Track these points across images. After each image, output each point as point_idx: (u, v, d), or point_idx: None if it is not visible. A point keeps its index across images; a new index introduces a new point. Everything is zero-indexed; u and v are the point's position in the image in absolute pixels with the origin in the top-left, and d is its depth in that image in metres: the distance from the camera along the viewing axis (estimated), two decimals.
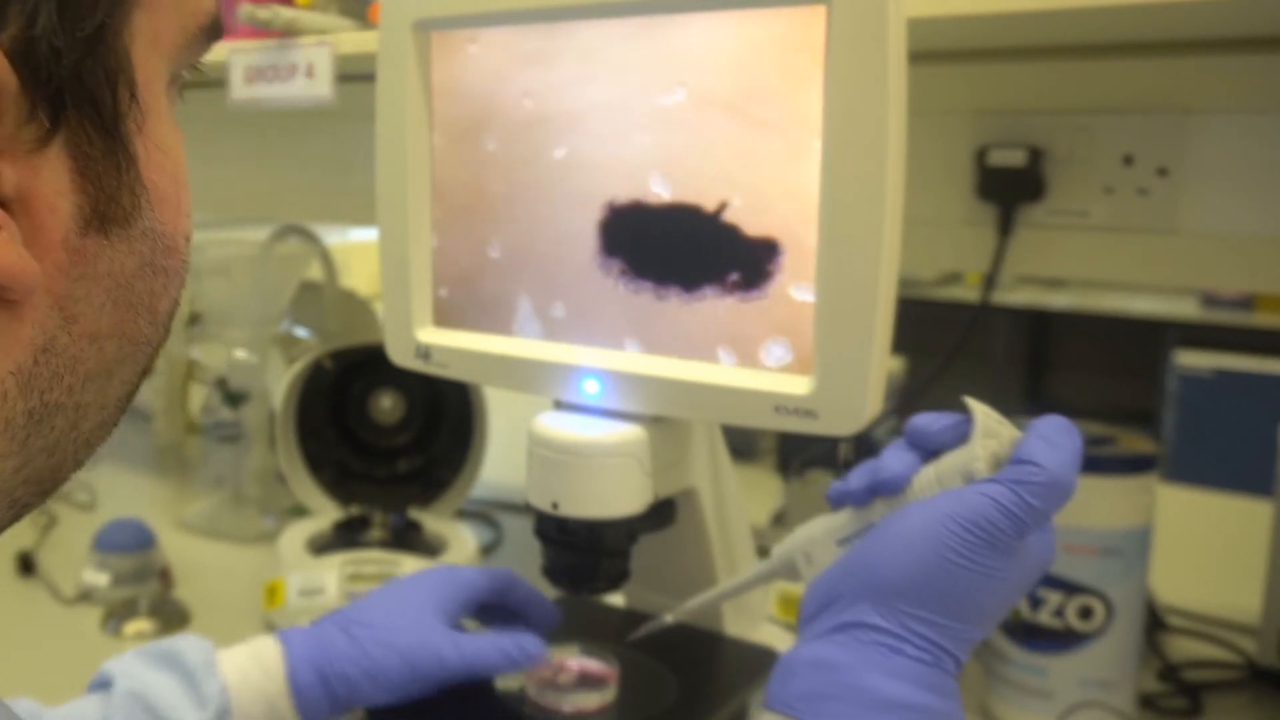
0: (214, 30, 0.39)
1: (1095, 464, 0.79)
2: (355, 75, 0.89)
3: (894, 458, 0.54)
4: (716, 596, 0.66)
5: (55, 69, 0.31)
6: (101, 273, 0.34)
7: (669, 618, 0.68)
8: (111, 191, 0.34)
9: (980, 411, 0.53)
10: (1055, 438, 0.50)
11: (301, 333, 1.31)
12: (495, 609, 0.76)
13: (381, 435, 1.18)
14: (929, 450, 0.54)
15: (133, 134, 0.34)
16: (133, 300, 0.36)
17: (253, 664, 0.66)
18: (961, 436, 0.53)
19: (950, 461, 0.53)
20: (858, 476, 0.55)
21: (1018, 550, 0.49)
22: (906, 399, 1.32)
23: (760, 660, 0.78)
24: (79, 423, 0.37)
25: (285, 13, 0.93)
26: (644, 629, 0.69)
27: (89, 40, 0.32)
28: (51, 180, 0.32)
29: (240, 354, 1.23)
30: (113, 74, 0.33)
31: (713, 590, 0.66)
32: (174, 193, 0.37)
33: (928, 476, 0.53)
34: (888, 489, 0.54)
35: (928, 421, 0.54)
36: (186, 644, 0.66)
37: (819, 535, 0.58)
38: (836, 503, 0.57)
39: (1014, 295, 3.28)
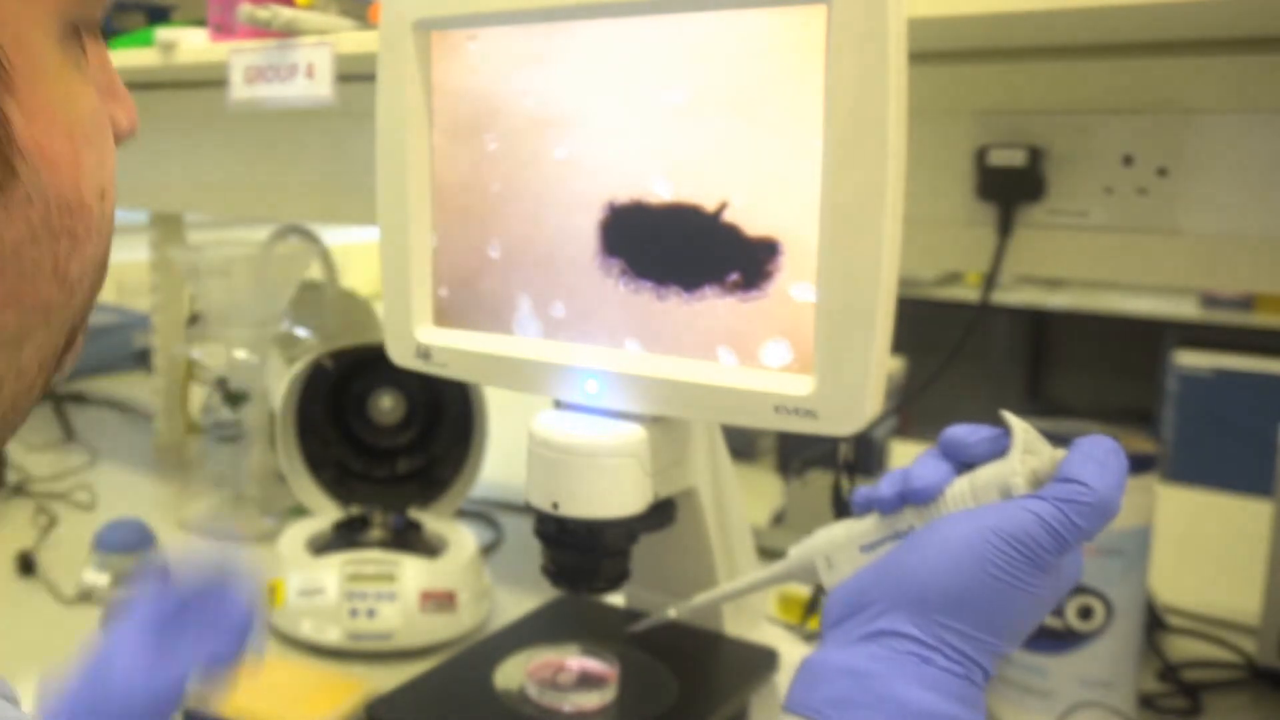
0: None
1: None
2: (355, 75, 0.89)
3: (927, 467, 0.53)
4: (725, 594, 0.66)
5: None
6: None
7: (672, 612, 0.68)
8: None
9: (1019, 427, 0.52)
10: (1104, 458, 0.49)
11: (301, 333, 1.31)
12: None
13: (381, 435, 1.18)
14: (963, 462, 0.53)
15: (2, 97, 0.32)
16: (25, 268, 0.34)
17: None
18: (998, 450, 0.52)
19: (986, 475, 0.52)
20: (888, 483, 0.54)
21: (1054, 568, 0.49)
22: (906, 399, 1.32)
23: (760, 660, 0.78)
24: None
25: (285, 13, 0.93)
26: (646, 622, 0.69)
27: None
28: None
29: (240, 354, 1.23)
30: None
31: (722, 588, 0.66)
32: (69, 150, 0.35)
33: (961, 488, 0.52)
34: (919, 498, 0.53)
35: (964, 433, 0.53)
36: None
37: (841, 540, 0.56)
38: (863, 508, 0.56)
39: (1014, 295, 3.28)
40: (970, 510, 0.50)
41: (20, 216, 0.34)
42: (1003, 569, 0.47)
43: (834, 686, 0.48)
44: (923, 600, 0.48)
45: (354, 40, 0.92)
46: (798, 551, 0.59)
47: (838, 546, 0.57)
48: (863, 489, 0.55)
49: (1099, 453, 0.49)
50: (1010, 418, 0.53)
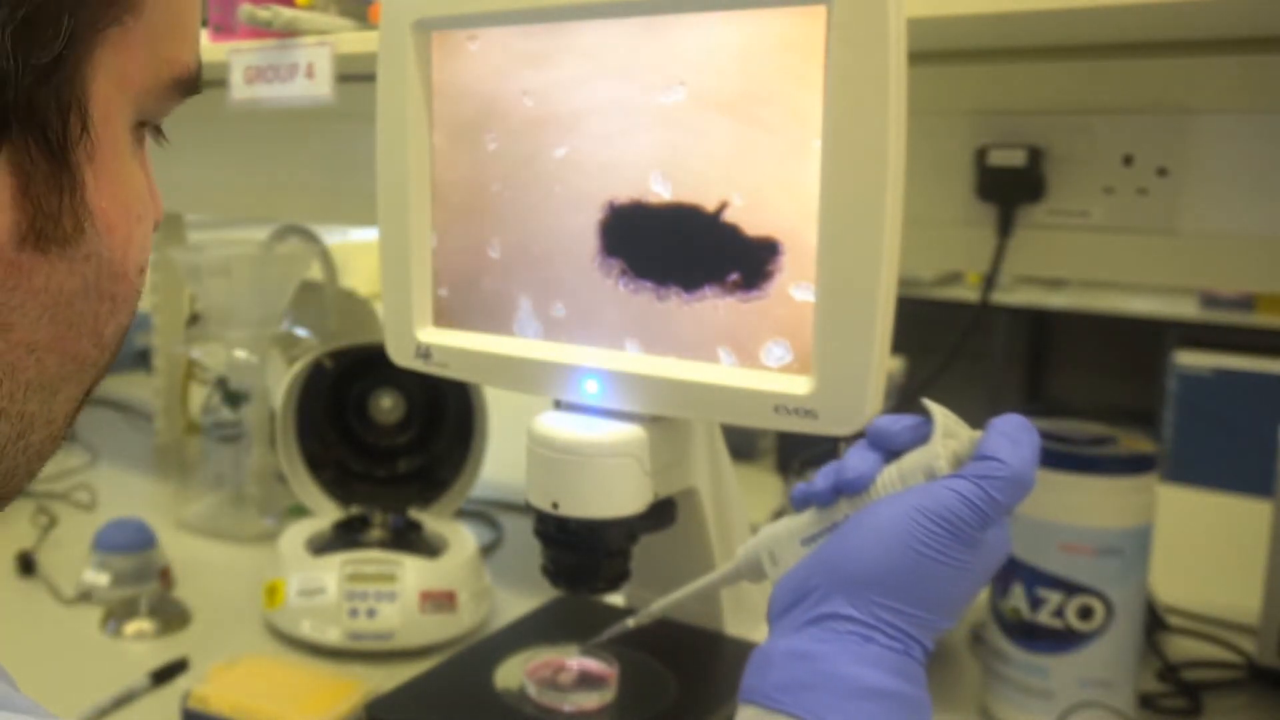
0: (190, 85, 0.40)
1: (1095, 464, 0.79)
2: (355, 75, 0.89)
3: (857, 458, 0.55)
4: (680, 598, 0.65)
5: (4, 92, 0.33)
6: (38, 287, 0.36)
7: (631, 622, 0.67)
8: (52, 212, 0.35)
9: (939, 412, 0.54)
10: (1016, 435, 0.52)
11: (301, 333, 1.31)
12: None
13: (381, 435, 1.18)
14: (890, 450, 0.55)
15: (82, 162, 0.36)
16: (73, 319, 0.38)
17: None
18: (922, 437, 0.54)
19: (912, 460, 0.54)
20: (822, 477, 0.56)
21: (979, 542, 0.51)
22: (906, 399, 1.32)
23: None
24: (25, 433, 0.38)
25: (285, 13, 0.93)
26: (605, 633, 0.69)
27: (44, 69, 0.33)
28: None
29: (240, 354, 1.23)
30: (65, 103, 0.35)
31: (677, 593, 0.65)
32: (124, 224, 0.38)
33: (890, 475, 0.54)
34: (852, 488, 0.55)
35: (889, 423, 0.56)
36: None
37: (783, 535, 0.58)
38: (801, 503, 0.58)
39: (1014, 295, 3.28)
40: (897, 493, 0.53)
41: (79, 271, 0.37)
42: (929, 545, 0.50)
43: (782, 671, 0.51)
44: (859, 582, 0.51)
45: (354, 40, 0.92)
46: (744, 550, 0.60)
47: (780, 542, 0.58)
48: (800, 485, 0.57)
49: (1011, 430, 0.52)
50: (930, 404, 0.55)
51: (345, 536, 1.05)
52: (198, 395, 1.53)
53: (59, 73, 0.34)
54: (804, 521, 0.57)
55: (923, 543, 0.50)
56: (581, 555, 0.69)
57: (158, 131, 0.42)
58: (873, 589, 0.50)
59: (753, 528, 0.83)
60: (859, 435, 0.58)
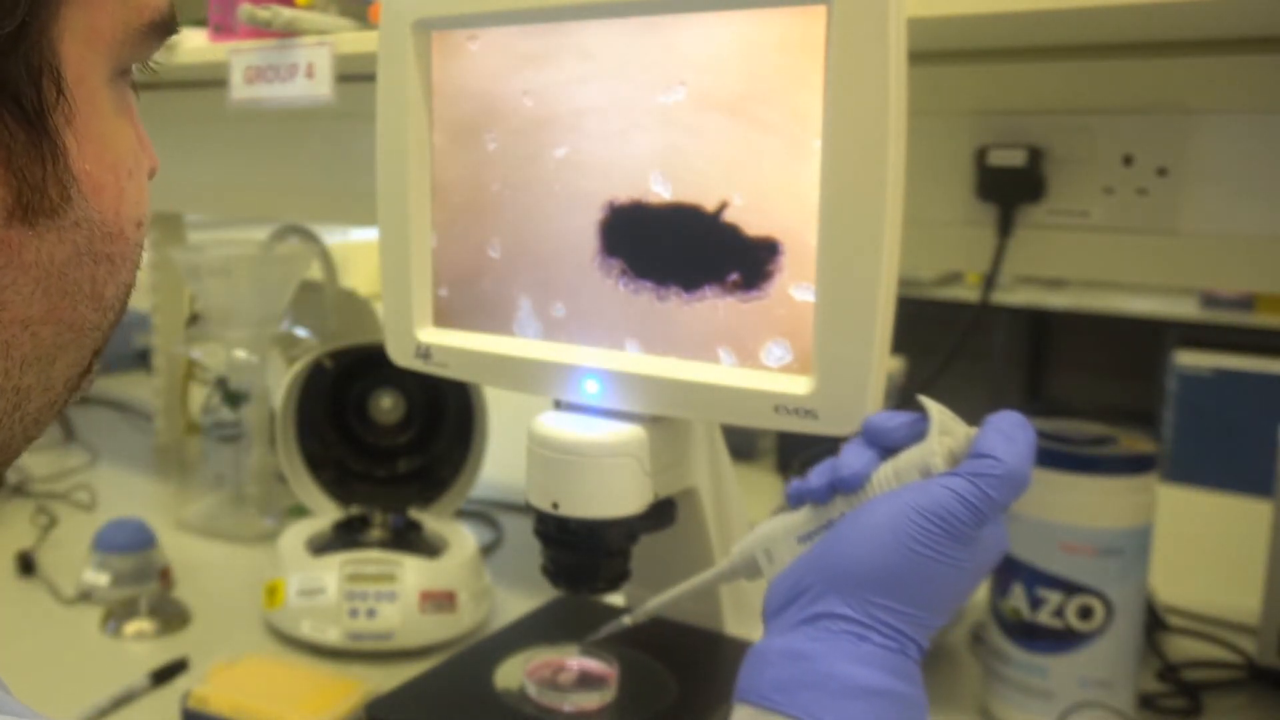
0: (165, 27, 0.39)
1: (1095, 464, 0.79)
2: (355, 75, 0.89)
3: (853, 455, 0.55)
4: (676, 595, 0.65)
5: None
6: (29, 262, 0.35)
7: (628, 620, 0.67)
8: (36, 183, 0.35)
9: (935, 409, 0.54)
10: (1011, 432, 0.51)
11: (301, 333, 1.31)
12: None
13: (381, 435, 1.18)
14: (886, 448, 0.55)
15: (61, 127, 0.35)
16: (68, 288, 0.37)
17: None
18: (918, 434, 0.54)
19: (908, 458, 0.54)
20: (818, 475, 0.56)
21: (975, 540, 0.51)
22: (906, 399, 1.32)
23: None
24: (22, 404, 0.38)
25: (285, 13, 0.93)
26: (602, 631, 0.69)
27: (10, 37, 0.33)
28: None
29: (240, 354, 1.23)
30: (36, 70, 0.34)
31: (672, 590, 0.65)
32: (114, 182, 0.38)
33: (886, 473, 0.54)
34: (847, 486, 0.55)
35: (885, 420, 0.55)
36: None
37: (779, 533, 0.58)
38: (796, 501, 0.58)
39: (1014, 295, 3.28)
40: (893, 491, 0.52)
41: (70, 239, 0.36)
42: (924, 544, 0.50)
43: (777, 670, 0.50)
44: (853, 580, 0.50)
45: (354, 40, 0.92)
46: (740, 548, 0.60)
47: (776, 540, 0.58)
48: (795, 482, 0.57)
49: (1007, 427, 0.52)
50: (926, 401, 0.55)
51: (345, 536, 1.05)
52: (198, 395, 1.53)
53: (26, 40, 0.33)
54: (800, 519, 0.57)
55: (918, 541, 0.50)
56: (581, 555, 0.69)
57: (144, 65, 0.41)
58: (867, 588, 0.50)
59: (752, 528, 0.83)
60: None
